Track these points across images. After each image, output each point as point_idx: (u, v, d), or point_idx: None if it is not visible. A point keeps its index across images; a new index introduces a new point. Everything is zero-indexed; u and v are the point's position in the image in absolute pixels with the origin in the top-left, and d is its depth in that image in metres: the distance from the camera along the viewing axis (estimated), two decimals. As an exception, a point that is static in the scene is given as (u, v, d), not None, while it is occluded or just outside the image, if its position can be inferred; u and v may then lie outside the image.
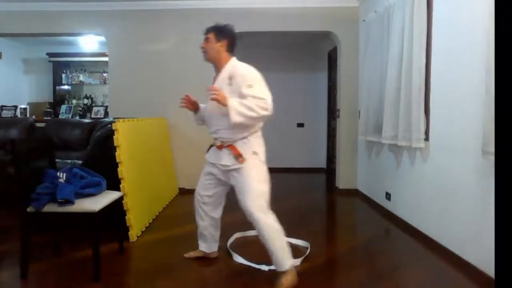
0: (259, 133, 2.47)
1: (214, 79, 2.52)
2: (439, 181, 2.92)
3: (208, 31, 2.48)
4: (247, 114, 2.21)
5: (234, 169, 2.37)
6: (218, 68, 2.49)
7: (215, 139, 2.48)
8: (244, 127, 2.33)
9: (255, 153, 2.37)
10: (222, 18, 4.89)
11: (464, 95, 2.59)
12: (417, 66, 3.09)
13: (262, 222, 2.27)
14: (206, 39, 2.46)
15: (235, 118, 2.20)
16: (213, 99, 2.25)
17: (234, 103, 2.22)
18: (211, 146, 2.58)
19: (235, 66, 2.42)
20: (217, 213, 2.70)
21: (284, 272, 2.29)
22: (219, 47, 2.43)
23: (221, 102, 2.23)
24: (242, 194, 2.33)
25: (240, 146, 2.36)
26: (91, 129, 4.66)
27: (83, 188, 2.44)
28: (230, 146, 2.38)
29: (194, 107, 2.60)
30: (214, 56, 2.46)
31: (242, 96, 2.26)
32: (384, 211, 3.94)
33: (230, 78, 2.36)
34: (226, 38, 2.45)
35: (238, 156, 2.34)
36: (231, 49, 2.49)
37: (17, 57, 6.93)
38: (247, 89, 2.26)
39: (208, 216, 2.68)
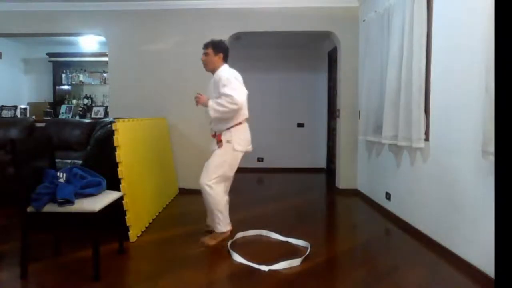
0: (241, 126, 3.05)
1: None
2: (439, 181, 2.92)
3: (207, 46, 3.10)
4: (219, 109, 2.91)
5: (213, 152, 3.08)
6: (214, 74, 3.11)
7: (212, 129, 3.16)
8: (226, 120, 2.99)
9: (228, 141, 3.01)
10: (222, 18, 4.96)
11: (464, 95, 2.59)
12: (417, 66, 3.09)
13: (206, 193, 2.99)
14: (206, 54, 3.09)
15: (212, 113, 2.95)
16: (197, 104, 3.06)
17: (211, 104, 2.94)
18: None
19: (219, 71, 3.05)
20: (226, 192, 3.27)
21: (213, 233, 3.07)
22: (217, 59, 3.09)
23: (204, 104, 3.00)
24: (204, 170, 3.06)
25: (222, 135, 3.03)
26: (91, 129, 4.66)
27: (83, 188, 2.44)
28: (218, 135, 3.07)
29: (207, 103, 3.01)
30: (213, 67, 3.10)
31: (220, 94, 2.93)
32: (384, 211, 3.94)
33: (216, 81, 3.01)
34: (222, 51, 3.10)
35: (219, 142, 3.04)
36: (226, 60, 3.15)
37: (17, 57, 6.93)
38: (222, 88, 2.93)
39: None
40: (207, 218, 3.22)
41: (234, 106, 2.88)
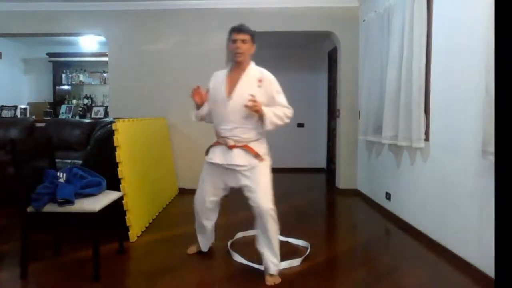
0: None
1: (232, 77, 2.50)
2: (439, 181, 2.92)
3: (245, 31, 2.47)
4: (277, 123, 2.42)
5: (248, 169, 2.42)
6: (240, 68, 2.49)
7: (227, 137, 2.47)
8: (261, 129, 2.46)
9: (266, 154, 2.51)
10: (222, 18, 4.96)
11: (464, 95, 2.59)
12: (417, 66, 3.09)
13: (272, 219, 2.37)
14: (244, 41, 2.44)
15: (269, 126, 2.39)
16: (255, 111, 2.34)
17: (269, 113, 2.37)
18: (213, 146, 2.59)
19: (261, 70, 2.51)
20: (216, 216, 2.83)
21: (270, 275, 2.38)
22: (252, 50, 2.51)
23: (259, 112, 2.35)
24: (257, 192, 2.38)
25: (255, 147, 2.45)
26: (91, 129, 4.66)
27: (83, 188, 2.44)
28: (246, 146, 2.44)
29: (201, 101, 2.55)
30: (246, 58, 2.49)
31: (272, 100, 2.44)
32: (384, 211, 3.94)
33: (260, 81, 2.44)
34: (254, 42, 2.53)
35: (257, 156, 2.42)
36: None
37: (17, 57, 6.93)
38: (277, 95, 2.46)
39: (210, 219, 2.80)
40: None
41: (288, 121, 2.49)
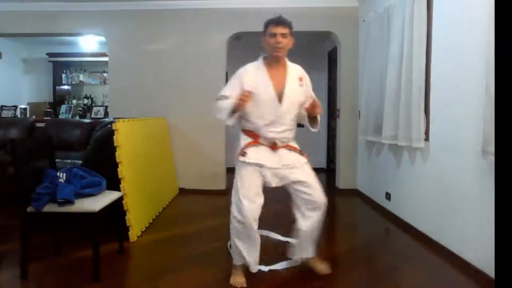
0: None
1: (273, 75, 2.34)
2: (439, 181, 2.92)
3: (288, 25, 2.31)
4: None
5: (299, 166, 2.39)
6: (279, 64, 2.37)
7: (274, 139, 2.33)
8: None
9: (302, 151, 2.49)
10: (222, 18, 4.96)
11: (464, 95, 2.59)
12: (417, 66, 3.09)
13: (323, 212, 2.44)
14: (284, 35, 2.28)
15: (318, 127, 2.50)
16: (318, 113, 2.36)
17: (318, 116, 2.43)
18: (250, 147, 2.33)
19: (298, 67, 2.45)
20: None
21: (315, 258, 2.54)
22: (291, 44, 2.37)
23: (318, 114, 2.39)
24: (313, 188, 2.41)
25: (294, 145, 2.46)
26: (91, 129, 4.66)
27: (83, 188, 2.44)
28: (290, 146, 2.41)
29: (245, 106, 2.28)
30: (285, 54, 2.36)
31: (309, 99, 2.36)
32: (384, 211, 3.94)
33: (300, 79, 2.39)
34: (293, 36, 2.37)
35: (301, 153, 2.44)
36: None
37: (17, 57, 6.94)
38: (312, 94, 2.43)
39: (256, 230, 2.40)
40: (297, 248, 2.52)
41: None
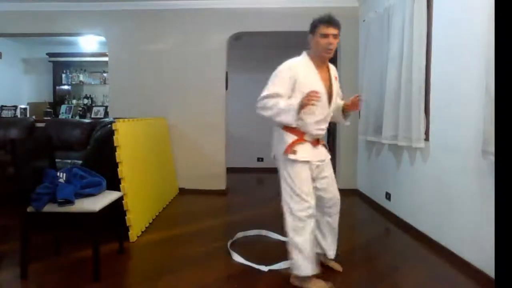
0: None
1: (321, 74, 2.33)
2: (439, 181, 2.92)
3: (337, 26, 2.28)
4: None
5: (328, 162, 2.46)
6: (325, 64, 2.36)
7: (319, 135, 2.39)
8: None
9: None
10: (222, 18, 4.96)
11: (464, 95, 2.59)
12: (417, 66, 3.09)
13: (339, 208, 2.57)
14: (335, 36, 2.26)
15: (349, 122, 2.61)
16: (359, 109, 2.60)
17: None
18: (297, 144, 2.30)
19: (334, 67, 2.47)
20: None
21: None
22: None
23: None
24: (334, 183, 2.51)
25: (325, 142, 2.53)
26: (91, 129, 4.67)
27: (83, 188, 2.44)
28: (322, 142, 2.48)
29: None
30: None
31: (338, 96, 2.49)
32: (384, 211, 3.94)
33: (336, 78, 2.45)
34: None
35: (329, 150, 2.52)
36: None
37: (17, 57, 6.94)
38: (340, 90, 2.52)
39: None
40: (325, 243, 2.57)
41: None
